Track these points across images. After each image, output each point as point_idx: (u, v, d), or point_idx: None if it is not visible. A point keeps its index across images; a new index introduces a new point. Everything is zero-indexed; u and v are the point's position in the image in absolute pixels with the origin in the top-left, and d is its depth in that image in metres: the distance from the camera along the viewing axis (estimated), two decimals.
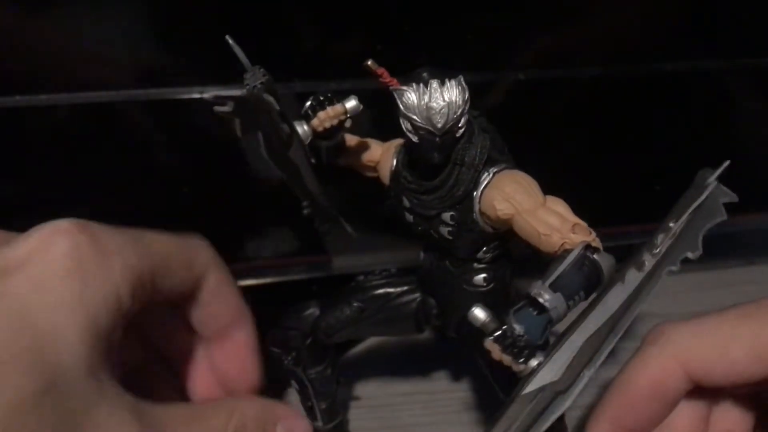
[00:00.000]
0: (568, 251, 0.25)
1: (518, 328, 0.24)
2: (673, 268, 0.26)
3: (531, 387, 0.24)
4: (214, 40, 0.28)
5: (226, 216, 0.38)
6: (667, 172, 0.43)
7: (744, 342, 0.27)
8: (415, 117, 0.26)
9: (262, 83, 0.26)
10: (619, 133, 0.42)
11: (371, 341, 0.43)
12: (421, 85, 0.26)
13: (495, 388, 0.31)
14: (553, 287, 0.24)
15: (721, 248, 0.34)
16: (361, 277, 0.34)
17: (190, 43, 0.35)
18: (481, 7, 0.36)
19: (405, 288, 0.33)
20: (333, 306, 0.33)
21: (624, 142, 0.42)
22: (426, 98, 0.26)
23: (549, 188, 0.28)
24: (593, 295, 0.25)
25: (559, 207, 0.27)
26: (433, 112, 0.26)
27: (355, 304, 0.33)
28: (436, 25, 0.36)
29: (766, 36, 0.40)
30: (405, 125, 0.26)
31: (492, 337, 0.24)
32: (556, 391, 0.24)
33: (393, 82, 0.27)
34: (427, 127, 0.26)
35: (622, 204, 0.44)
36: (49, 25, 0.33)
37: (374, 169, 0.31)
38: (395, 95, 0.26)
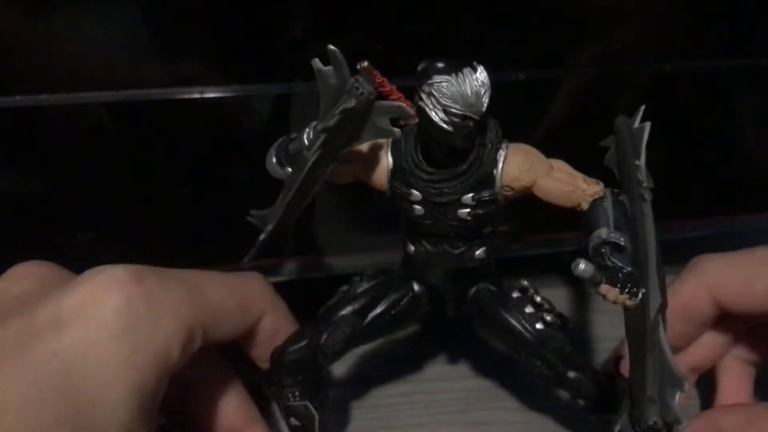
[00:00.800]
0: (596, 201, 0.28)
1: (626, 268, 0.26)
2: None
3: (652, 311, 0.26)
4: (213, 39, 0.28)
5: (226, 216, 0.38)
6: (667, 171, 0.43)
7: (765, 278, 0.31)
8: (457, 106, 0.26)
9: (370, 92, 0.25)
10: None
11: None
12: (455, 74, 0.26)
13: (512, 357, 0.33)
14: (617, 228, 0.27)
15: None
16: (345, 287, 0.34)
17: (190, 42, 0.35)
18: (481, 6, 0.36)
19: (395, 287, 0.34)
20: (327, 325, 0.33)
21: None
22: (467, 86, 0.26)
23: None
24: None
25: (563, 165, 0.29)
26: (477, 97, 0.26)
27: (350, 317, 0.33)
28: (436, 25, 0.36)
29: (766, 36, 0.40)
30: (437, 114, 0.26)
31: (605, 282, 0.25)
32: (661, 310, 0.27)
33: (384, 83, 0.27)
34: (467, 113, 0.26)
35: None
36: (48, 25, 0.33)
37: (354, 173, 0.31)
38: (425, 90, 0.26)
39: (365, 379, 0.40)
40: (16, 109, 0.34)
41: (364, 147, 0.30)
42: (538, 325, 0.32)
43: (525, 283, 0.34)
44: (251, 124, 0.38)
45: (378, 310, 0.33)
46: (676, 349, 0.33)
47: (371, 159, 0.30)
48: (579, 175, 0.29)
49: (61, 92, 0.34)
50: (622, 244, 0.26)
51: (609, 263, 0.26)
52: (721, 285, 0.32)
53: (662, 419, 0.25)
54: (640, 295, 0.26)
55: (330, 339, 0.32)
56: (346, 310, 0.33)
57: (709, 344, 0.34)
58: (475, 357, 0.41)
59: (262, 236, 0.32)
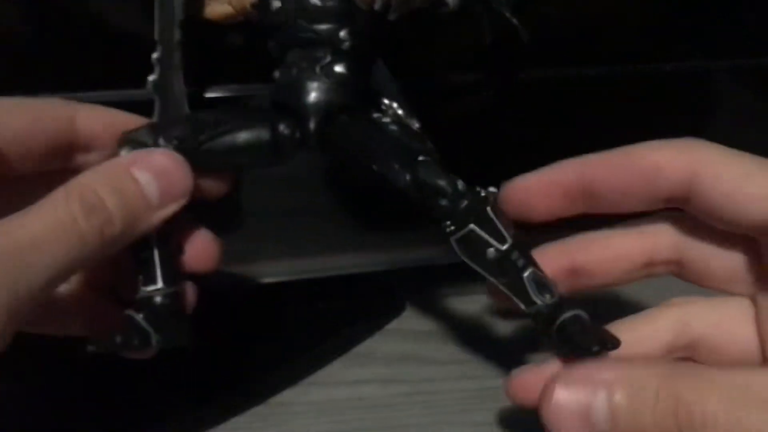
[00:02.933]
0: None
1: None
2: None
3: None
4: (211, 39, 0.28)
5: (223, 217, 0.38)
6: None
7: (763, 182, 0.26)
8: None
9: None
10: (619, 132, 0.42)
11: (371, 343, 0.43)
12: None
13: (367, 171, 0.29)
14: None
15: None
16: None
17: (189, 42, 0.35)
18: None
19: (253, 111, 0.31)
20: (174, 122, 0.30)
21: (624, 142, 0.42)
22: None
23: None
24: None
25: None
26: None
27: (199, 117, 0.30)
28: (437, 25, 0.36)
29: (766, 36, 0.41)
30: None
31: None
32: None
33: None
34: None
35: None
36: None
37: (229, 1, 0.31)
38: None
39: (364, 379, 0.40)
40: None
41: None
42: (393, 127, 0.30)
43: (385, 101, 0.31)
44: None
45: (229, 124, 0.30)
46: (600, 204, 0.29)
47: None
48: None
49: (60, 92, 0.34)
50: None
51: None
52: (709, 166, 0.26)
53: None
54: None
55: (171, 129, 0.29)
56: (195, 115, 0.31)
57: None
58: (476, 357, 0.41)
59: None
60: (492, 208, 0.27)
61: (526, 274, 0.27)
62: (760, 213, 0.25)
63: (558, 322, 0.27)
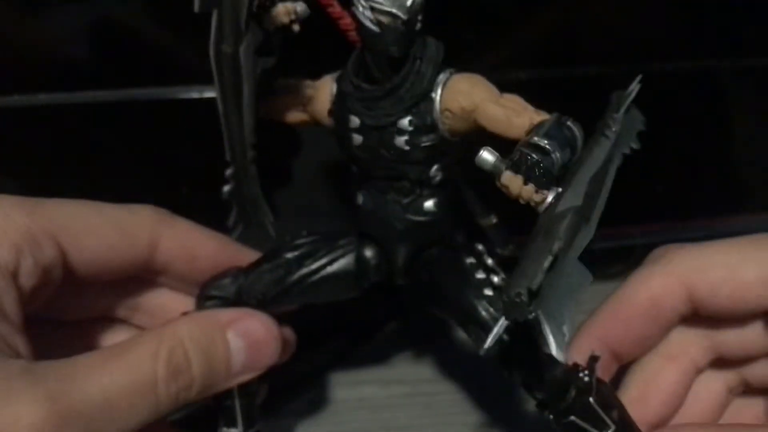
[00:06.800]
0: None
1: (535, 156, 0.23)
2: (626, 150, 0.26)
3: (560, 208, 0.23)
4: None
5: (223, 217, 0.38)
6: (668, 172, 0.43)
7: (756, 264, 0.25)
8: (381, 1, 0.25)
9: None
10: None
11: (371, 343, 0.43)
12: None
13: (465, 331, 0.29)
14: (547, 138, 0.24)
15: None
16: (288, 237, 0.31)
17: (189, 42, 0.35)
18: (481, 5, 0.36)
19: (339, 243, 0.31)
20: (257, 268, 0.30)
21: None
22: None
23: None
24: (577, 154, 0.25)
25: (515, 97, 0.27)
26: None
27: (282, 263, 0.30)
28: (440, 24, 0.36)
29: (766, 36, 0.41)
30: (365, 14, 0.25)
31: (510, 167, 0.23)
32: (581, 216, 0.23)
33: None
34: (392, 10, 0.25)
35: (623, 204, 0.43)
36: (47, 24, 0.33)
37: (304, 109, 0.30)
38: None
39: (364, 380, 0.40)
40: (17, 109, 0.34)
41: (317, 82, 0.29)
42: (486, 291, 0.29)
43: (480, 247, 0.30)
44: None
45: (315, 263, 0.30)
46: (633, 355, 0.28)
47: (321, 91, 0.29)
48: (531, 107, 0.26)
49: (60, 92, 0.34)
50: (546, 147, 0.23)
51: (519, 154, 0.23)
52: (698, 277, 0.26)
53: (527, 293, 0.21)
54: (551, 192, 0.23)
55: (255, 282, 0.30)
56: (280, 257, 0.30)
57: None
58: (476, 358, 0.41)
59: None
60: (595, 396, 0.25)
61: None
62: (756, 296, 0.25)
63: None
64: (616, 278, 0.32)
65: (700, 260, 0.26)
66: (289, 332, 0.30)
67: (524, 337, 0.26)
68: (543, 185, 0.23)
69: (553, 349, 0.23)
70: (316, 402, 0.39)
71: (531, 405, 0.38)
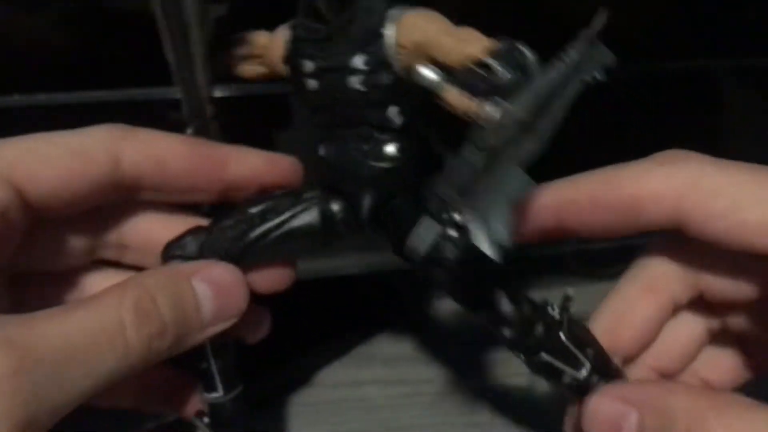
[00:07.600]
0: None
1: (480, 71, 0.22)
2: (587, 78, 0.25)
3: (504, 120, 0.21)
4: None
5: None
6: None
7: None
8: None
9: None
10: (619, 132, 0.42)
11: (371, 343, 0.43)
12: None
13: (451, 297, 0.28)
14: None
15: None
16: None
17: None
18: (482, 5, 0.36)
19: (303, 197, 0.29)
20: (219, 224, 0.29)
21: (625, 142, 0.42)
22: None
23: None
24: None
25: (472, 29, 0.25)
26: None
27: (245, 217, 0.29)
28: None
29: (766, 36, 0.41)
30: None
31: (452, 81, 0.22)
32: (526, 127, 0.22)
33: None
34: None
35: None
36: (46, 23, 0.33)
37: (262, 61, 0.29)
38: None
39: (365, 381, 0.40)
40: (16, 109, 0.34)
41: (268, 32, 0.28)
42: (450, 232, 0.27)
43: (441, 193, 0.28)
44: (251, 123, 0.38)
45: (278, 218, 0.29)
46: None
47: (272, 39, 0.29)
48: (486, 38, 0.24)
49: (60, 92, 0.34)
50: (492, 65, 0.22)
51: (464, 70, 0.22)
52: (699, 194, 0.24)
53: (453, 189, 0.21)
54: (496, 105, 0.22)
55: (217, 238, 0.28)
56: (242, 213, 0.29)
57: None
58: (476, 358, 0.41)
59: None
60: (566, 332, 0.24)
61: None
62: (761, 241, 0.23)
63: None
64: (616, 278, 0.32)
65: (707, 181, 0.24)
66: (262, 309, 0.30)
67: (489, 275, 0.25)
68: (486, 99, 0.22)
69: (486, 248, 0.22)
70: (316, 402, 0.39)
71: (532, 405, 0.38)
